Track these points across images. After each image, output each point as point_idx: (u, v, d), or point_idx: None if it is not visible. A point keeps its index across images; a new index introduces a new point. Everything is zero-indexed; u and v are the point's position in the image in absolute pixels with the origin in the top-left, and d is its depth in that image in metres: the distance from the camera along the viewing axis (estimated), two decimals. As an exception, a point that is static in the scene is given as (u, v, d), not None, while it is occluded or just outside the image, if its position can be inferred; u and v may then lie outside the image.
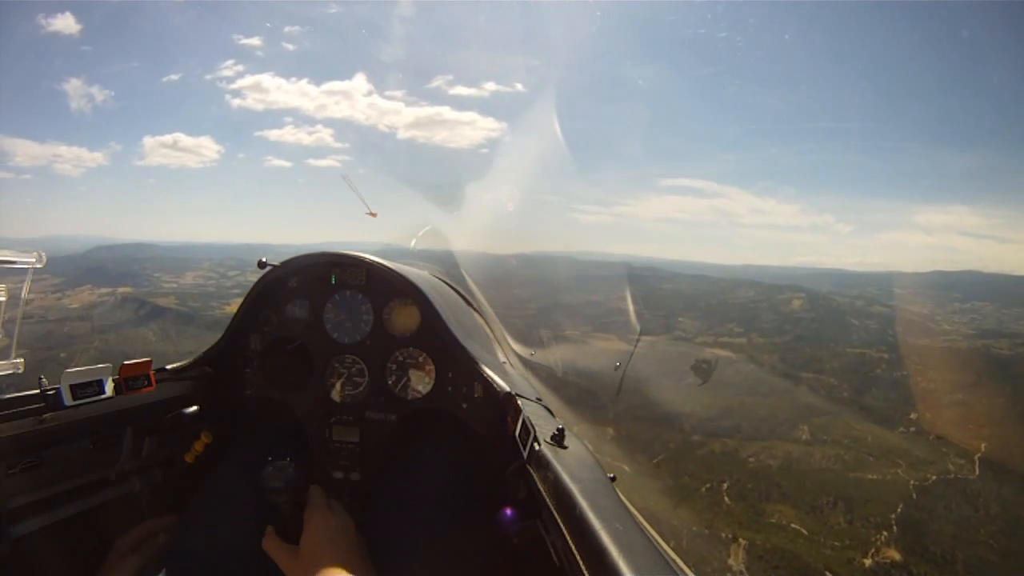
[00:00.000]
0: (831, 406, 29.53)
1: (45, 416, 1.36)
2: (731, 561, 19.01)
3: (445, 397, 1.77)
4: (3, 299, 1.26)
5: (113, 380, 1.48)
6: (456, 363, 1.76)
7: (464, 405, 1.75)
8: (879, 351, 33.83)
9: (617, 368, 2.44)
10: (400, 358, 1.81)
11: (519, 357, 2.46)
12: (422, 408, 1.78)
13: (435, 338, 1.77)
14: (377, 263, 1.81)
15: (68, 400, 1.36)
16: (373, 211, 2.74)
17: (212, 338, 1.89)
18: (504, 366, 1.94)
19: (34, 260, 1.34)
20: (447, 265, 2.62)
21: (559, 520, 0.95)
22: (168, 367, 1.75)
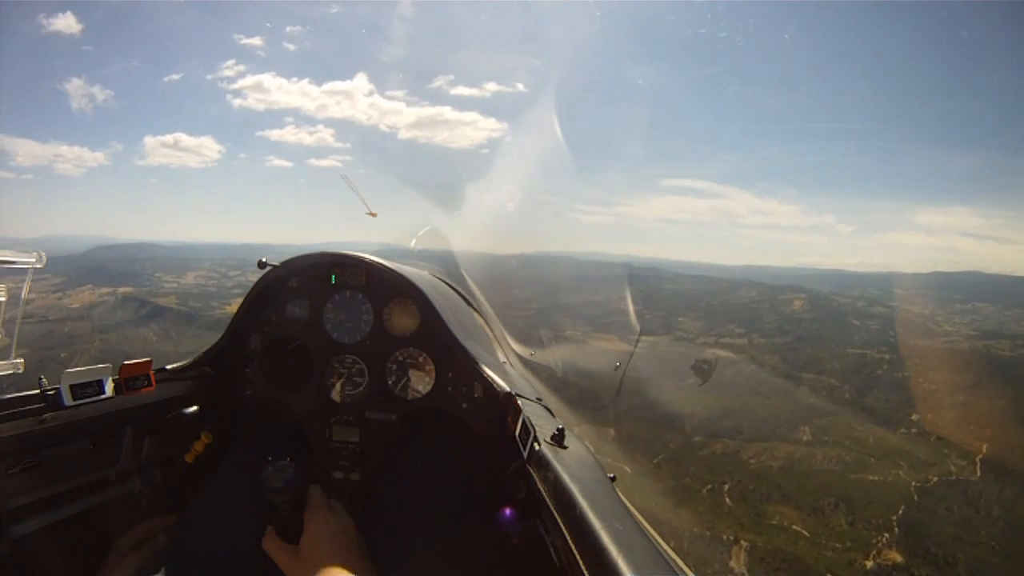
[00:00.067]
0: (832, 407, 29.48)
1: (45, 416, 1.36)
2: (733, 563, 18.98)
3: (445, 397, 1.77)
4: (3, 299, 1.26)
5: (113, 380, 1.48)
6: (456, 363, 1.75)
7: (464, 405, 1.75)
8: (880, 352, 33.77)
9: (617, 368, 2.44)
10: (400, 358, 1.80)
11: (519, 357, 2.46)
12: (422, 408, 1.78)
13: (435, 338, 1.77)
14: (377, 263, 1.81)
15: (68, 400, 1.36)
16: (373, 211, 2.74)
17: (212, 338, 1.89)
18: (504, 366, 1.93)
19: (34, 260, 1.34)
20: (447, 265, 2.62)
21: (559, 520, 0.95)
22: (168, 367, 1.75)
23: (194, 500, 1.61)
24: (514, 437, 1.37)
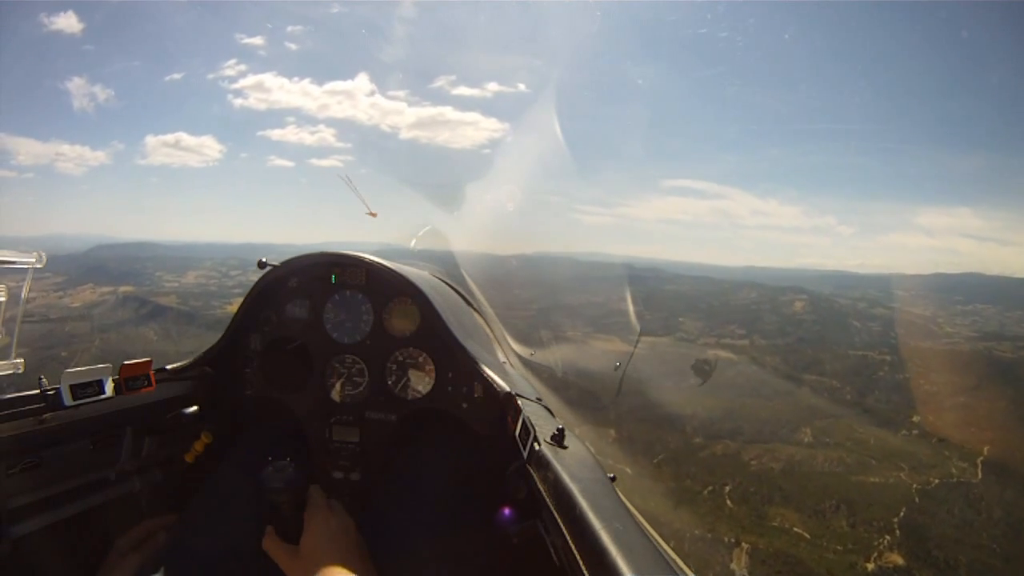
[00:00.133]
0: (833, 409, 29.43)
1: (45, 416, 1.36)
2: (734, 566, 18.94)
3: (445, 397, 1.76)
4: (3, 299, 1.26)
5: (113, 380, 1.48)
6: (456, 363, 1.75)
7: (464, 405, 1.75)
8: (881, 353, 33.72)
9: (617, 368, 2.43)
10: (400, 358, 1.80)
11: (519, 357, 2.46)
12: (422, 408, 1.78)
13: (435, 338, 1.77)
14: (377, 263, 1.82)
15: (68, 400, 1.36)
16: (373, 211, 2.75)
17: (213, 338, 1.89)
18: (504, 366, 1.93)
19: (34, 260, 1.34)
20: (447, 265, 2.62)
21: (559, 520, 0.94)
22: (168, 367, 1.75)
23: (194, 500, 1.61)
24: (514, 437, 1.37)
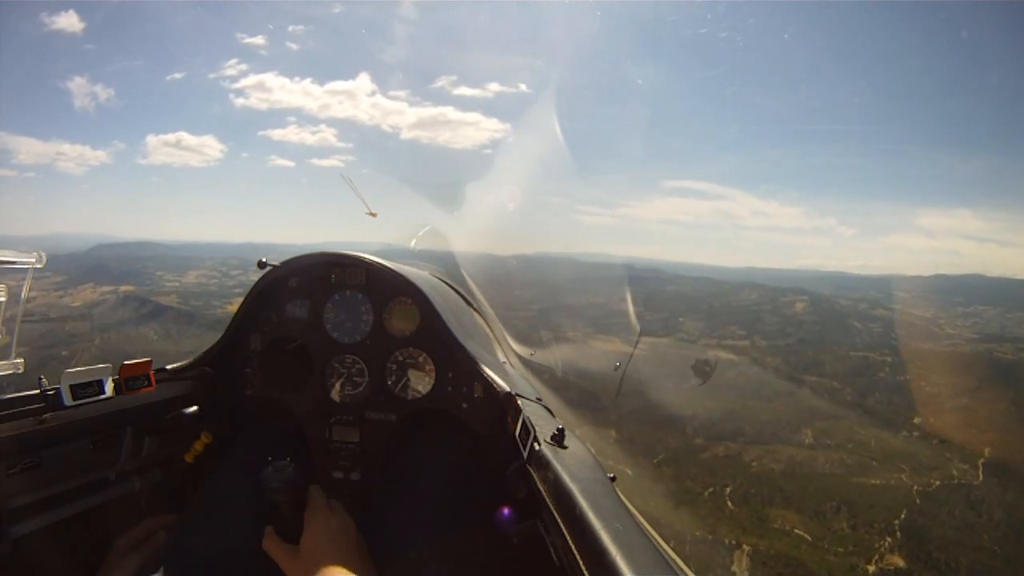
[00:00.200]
0: (834, 410, 29.40)
1: (45, 416, 1.36)
2: (735, 568, 18.92)
3: (445, 397, 1.76)
4: (3, 299, 1.27)
5: (113, 380, 1.48)
6: (456, 363, 1.75)
7: (464, 405, 1.75)
8: (882, 354, 33.68)
9: (617, 368, 2.43)
10: (400, 358, 1.80)
11: (519, 357, 2.46)
12: (422, 408, 1.78)
13: (435, 338, 1.77)
14: (377, 263, 1.82)
15: (68, 400, 1.36)
16: (373, 211, 2.75)
17: (213, 337, 1.89)
18: (504, 366, 1.93)
19: (34, 260, 1.34)
20: (447, 266, 2.62)
21: (559, 520, 0.94)
22: (168, 367, 1.75)
23: (194, 500, 1.61)
24: (514, 437, 1.37)
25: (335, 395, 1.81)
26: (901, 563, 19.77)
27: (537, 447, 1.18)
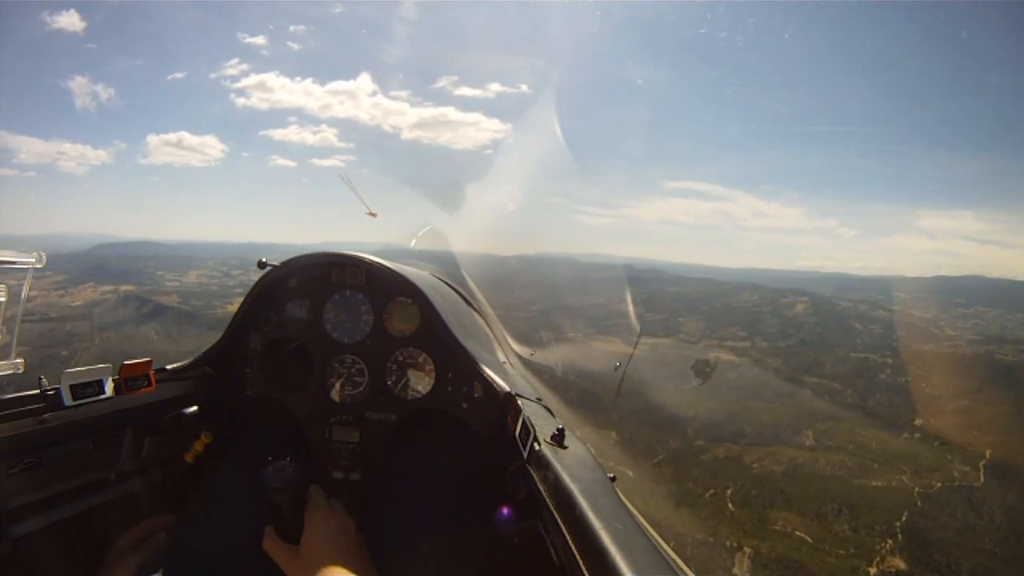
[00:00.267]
0: (835, 411, 29.36)
1: (45, 416, 1.36)
2: (736, 570, 18.88)
3: (445, 397, 1.76)
4: (3, 299, 1.27)
5: (113, 380, 1.48)
6: (456, 363, 1.75)
7: (464, 405, 1.75)
8: (883, 356, 33.65)
9: (617, 368, 2.43)
10: (400, 358, 1.80)
11: (519, 357, 2.46)
12: (422, 408, 1.78)
13: (435, 338, 1.77)
14: (376, 263, 1.82)
15: (68, 400, 1.36)
16: (373, 211, 2.75)
17: (213, 337, 1.89)
18: (504, 366, 1.93)
19: (34, 260, 1.34)
20: (448, 266, 2.62)
21: (559, 520, 0.94)
22: (168, 367, 1.75)
23: (194, 500, 1.61)
24: (514, 437, 1.36)
25: (335, 395, 1.81)
26: (902, 565, 19.73)
27: (537, 447, 1.18)
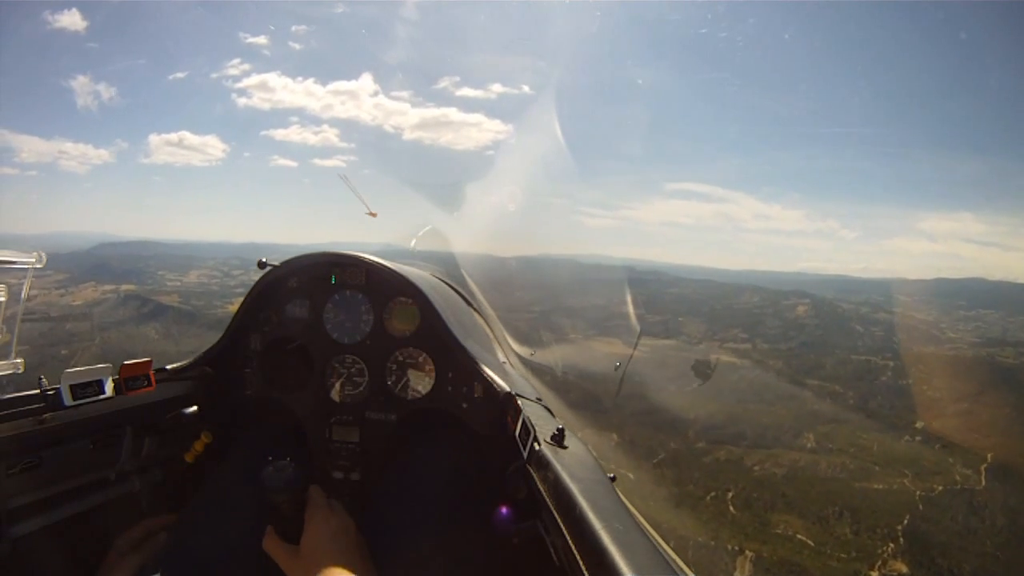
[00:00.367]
0: (836, 414, 29.32)
1: (45, 416, 1.36)
2: (738, 574, 18.84)
3: (445, 397, 1.76)
4: (3, 299, 1.27)
5: (113, 380, 1.48)
6: (456, 363, 1.75)
7: (464, 405, 1.75)
8: (884, 358, 33.61)
9: (617, 368, 2.43)
10: (400, 358, 1.80)
11: (519, 357, 2.45)
12: (422, 408, 1.78)
13: (435, 338, 1.77)
14: (377, 263, 1.82)
15: (68, 400, 1.36)
16: (373, 211, 2.75)
17: (214, 337, 1.89)
18: (504, 366, 1.93)
19: (34, 260, 1.35)
20: (448, 267, 2.62)
21: (559, 520, 0.94)
22: (168, 367, 1.75)
23: (194, 500, 1.61)
24: (514, 437, 1.36)
25: (335, 395, 1.81)
26: (904, 569, 19.68)
27: (537, 447, 1.18)
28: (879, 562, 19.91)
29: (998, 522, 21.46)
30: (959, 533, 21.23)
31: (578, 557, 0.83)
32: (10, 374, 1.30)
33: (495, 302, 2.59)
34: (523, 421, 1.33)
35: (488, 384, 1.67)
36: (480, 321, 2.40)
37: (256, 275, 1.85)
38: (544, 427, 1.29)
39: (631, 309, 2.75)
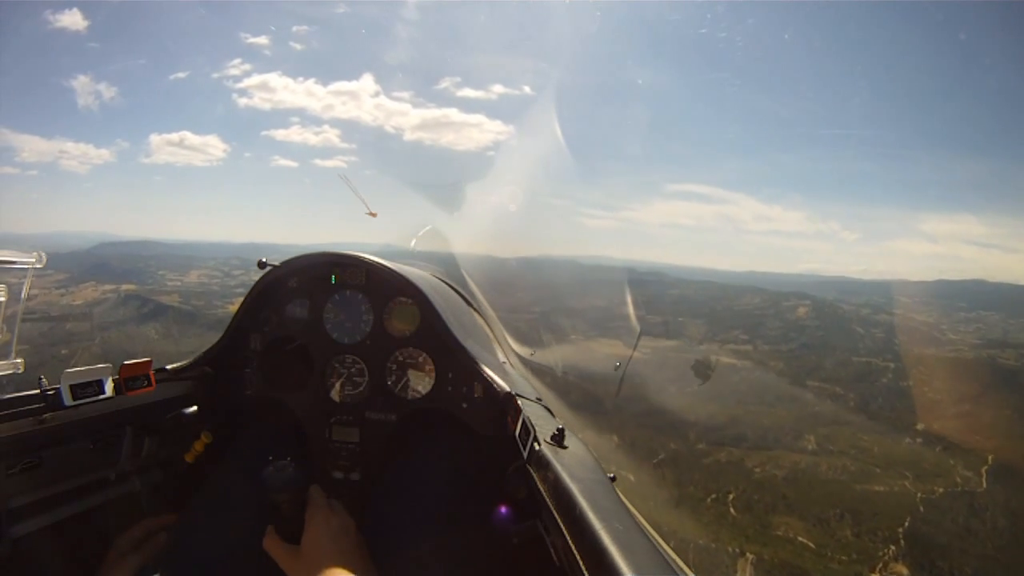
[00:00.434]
0: (837, 415, 29.28)
1: (45, 416, 1.36)
2: (738, 576, 18.80)
3: (445, 397, 1.76)
4: (3, 299, 1.27)
5: (113, 380, 1.48)
6: (456, 363, 1.75)
7: (464, 405, 1.75)
8: (885, 360, 33.57)
9: (617, 368, 2.43)
10: (400, 358, 1.80)
11: (519, 357, 2.45)
12: (422, 408, 1.78)
13: (435, 338, 1.77)
14: (377, 263, 1.82)
15: (68, 400, 1.36)
16: (374, 211, 2.75)
17: (214, 337, 1.89)
18: (504, 366, 1.93)
19: (34, 260, 1.35)
20: (448, 267, 2.62)
21: (559, 520, 0.94)
22: (168, 367, 1.75)
23: (194, 500, 1.61)
24: (514, 437, 1.36)
25: (335, 395, 1.81)
26: (905, 571, 19.63)
27: (537, 447, 1.18)
28: (880, 564, 19.86)
29: (999, 524, 21.40)
30: (960, 535, 21.18)
31: (578, 557, 0.83)
32: (10, 374, 1.31)
33: (495, 302, 2.59)
34: (523, 421, 1.33)
35: (488, 384, 1.67)
36: (480, 321, 2.40)
37: (256, 275, 1.85)
38: (544, 427, 1.29)
39: (631, 310, 2.75)
